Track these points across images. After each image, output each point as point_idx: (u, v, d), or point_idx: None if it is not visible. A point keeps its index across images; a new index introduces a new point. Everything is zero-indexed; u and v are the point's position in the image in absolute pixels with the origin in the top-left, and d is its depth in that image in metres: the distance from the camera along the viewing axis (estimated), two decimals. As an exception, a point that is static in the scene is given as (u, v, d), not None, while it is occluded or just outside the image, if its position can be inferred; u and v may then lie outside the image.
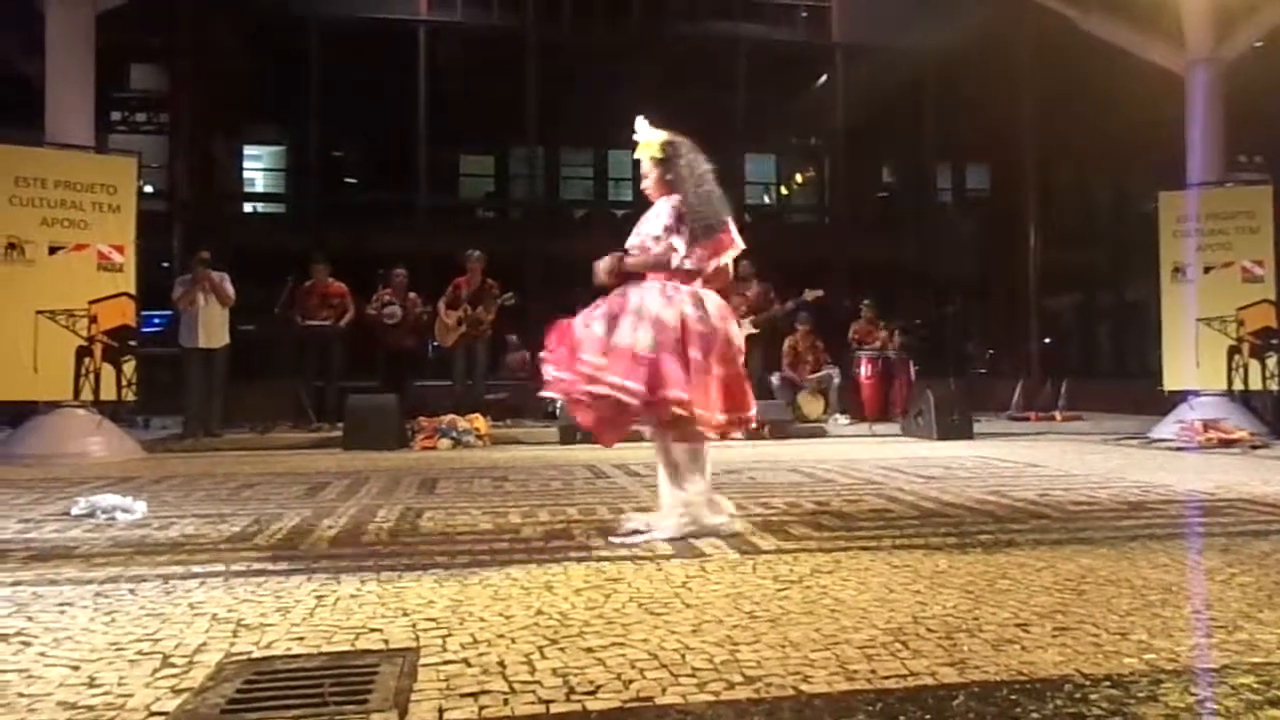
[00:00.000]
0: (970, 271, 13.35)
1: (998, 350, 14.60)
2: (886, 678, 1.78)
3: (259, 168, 16.59)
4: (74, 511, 3.92)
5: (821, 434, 9.00)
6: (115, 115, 13.89)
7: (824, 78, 15.23)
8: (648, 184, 3.62)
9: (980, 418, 9.25)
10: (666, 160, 3.53)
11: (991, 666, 1.84)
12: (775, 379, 9.88)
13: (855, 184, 15.83)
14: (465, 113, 14.51)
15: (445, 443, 7.79)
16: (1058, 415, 10.28)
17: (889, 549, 3.07)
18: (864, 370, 10.16)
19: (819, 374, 9.92)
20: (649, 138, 3.62)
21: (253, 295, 9.18)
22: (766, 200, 17.73)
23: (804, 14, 14.83)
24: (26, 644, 2.05)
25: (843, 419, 9.70)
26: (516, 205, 15.88)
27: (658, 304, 3.26)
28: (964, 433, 8.25)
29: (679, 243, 3.38)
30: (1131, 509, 3.93)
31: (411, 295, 9.55)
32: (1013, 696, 1.68)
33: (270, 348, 9.33)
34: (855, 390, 10.18)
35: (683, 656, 1.92)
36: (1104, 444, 7.70)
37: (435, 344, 9.71)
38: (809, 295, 10.06)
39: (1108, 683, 1.75)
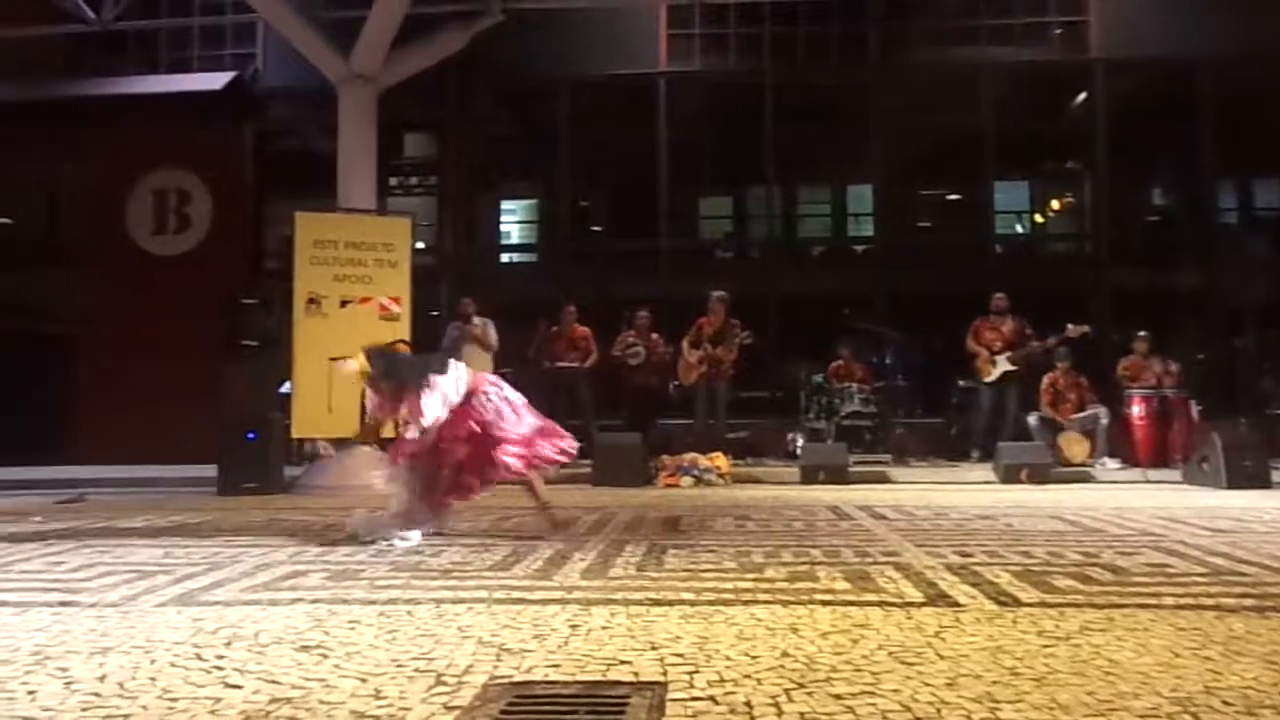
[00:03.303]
0: (1264, 298, 11.92)
1: (1300, 387, 12.89)
2: (1172, 749, 1.62)
3: (514, 220, 17.78)
4: (361, 535, 4.35)
5: (1086, 479, 8.32)
6: (393, 181, 15.39)
7: (1082, 96, 14.28)
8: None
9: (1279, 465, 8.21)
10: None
11: (1302, 746, 1.63)
12: (1033, 419, 9.27)
13: (1121, 208, 14.64)
14: (704, 157, 14.84)
15: (687, 480, 7.92)
16: (1378, 461, 8.92)
17: (1171, 609, 2.79)
18: (1137, 410, 9.29)
19: (1083, 414, 9.21)
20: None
21: (508, 341, 9.81)
22: (1019, 229, 16.77)
23: (1058, 30, 14.02)
24: (325, 656, 2.29)
25: (1112, 463, 8.92)
26: (755, 245, 16.00)
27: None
28: (1259, 481, 7.31)
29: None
30: None
31: (654, 336, 9.84)
32: (1330, 782, 1.48)
33: (525, 389, 9.90)
34: (1126, 432, 9.32)
35: (938, 710, 1.84)
36: None
37: (677, 383, 9.92)
38: (1073, 330, 9.38)
39: None
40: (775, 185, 14.89)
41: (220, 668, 2.19)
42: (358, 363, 4.53)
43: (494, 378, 4.98)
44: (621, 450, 8.14)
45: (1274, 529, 4.67)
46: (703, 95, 14.67)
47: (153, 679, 2.10)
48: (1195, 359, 10.71)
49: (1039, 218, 16.81)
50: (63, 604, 2.94)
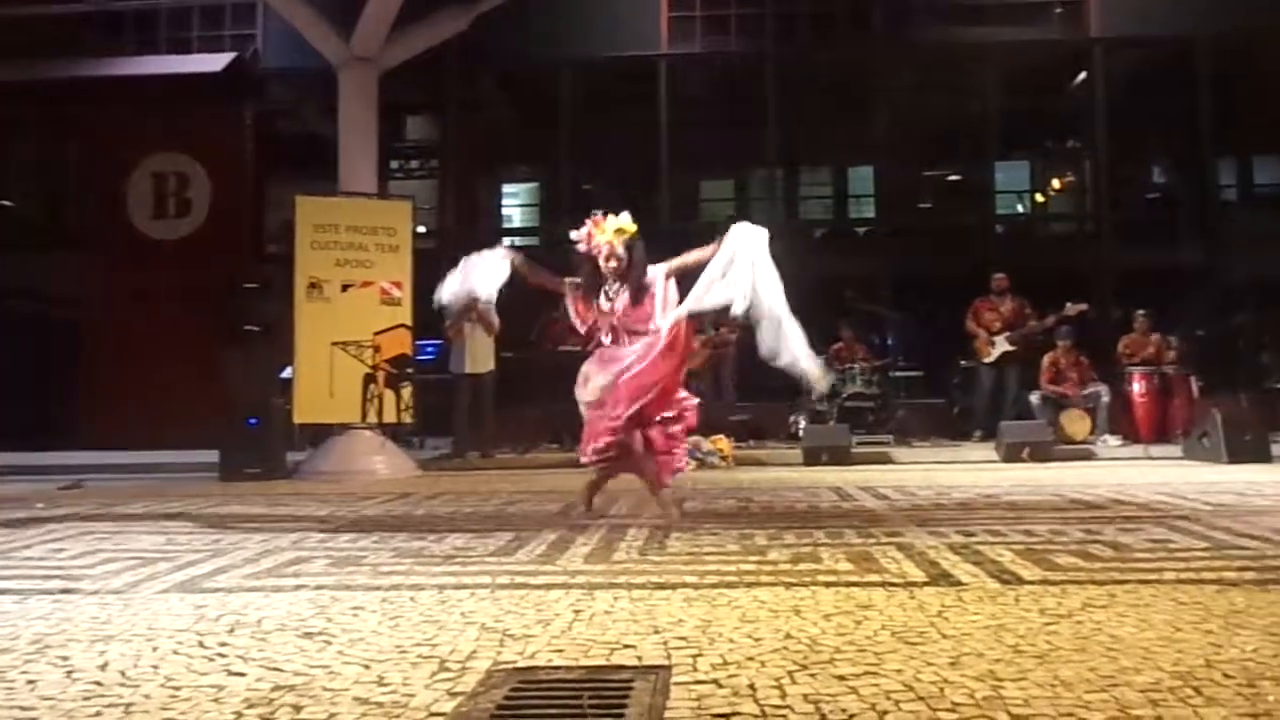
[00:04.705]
0: (1263, 275, 11.89)
1: (1301, 363, 12.88)
2: (1175, 727, 1.62)
3: (516, 204, 17.74)
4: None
5: (1088, 456, 8.33)
6: (394, 164, 15.34)
7: (1082, 75, 14.20)
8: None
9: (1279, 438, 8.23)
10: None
11: (1305, 723, 1.63)
12: (1035, 397, 9.28)
13: (1121, 187, 14.58)
14: (705, 138, 14.78)
15: (690, 463, 7.91)
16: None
17: (1173, 583, 2.79)
18: (1138, 387, 9.30)
19: (1084, 392, 9.21)
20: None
21: (511, 325, 9.80)
22: (1020, 209, 16.72)
23: (1058, 10, 13.93)
24: (328, 642, 2.29)
25: (1113, 440, 8.93)
26: (757, 226, 15.95)
27: None
28: (1260, 455, 7.32)
29: None
30: None
31: (657, 319, 9.82)
32: (1333, 759, 1.48)
33: (528, 373, 9.91)
34: (1127, 409, 9.33)
35: (941, 690, 1.84)
36: None
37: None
38: (1071, 309, 9.38)
39: None
40: (777, 167, 14.83)
41: (223, 655, 2.19)
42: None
43: None
44: (624, 433, 8.14)
45: (1275, 503, 4.67)
46: (704, 77, 14.59)
47: (155, 667, 2.10)
48: (1195, 335, 10.71)
49: (1040, 197, 16.75)
50: (64, 591, 2.94)
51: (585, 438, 4.39)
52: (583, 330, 4.47)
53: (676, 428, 4.41)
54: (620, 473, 4.55)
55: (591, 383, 4.32)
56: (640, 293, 4.29)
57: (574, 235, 4.39)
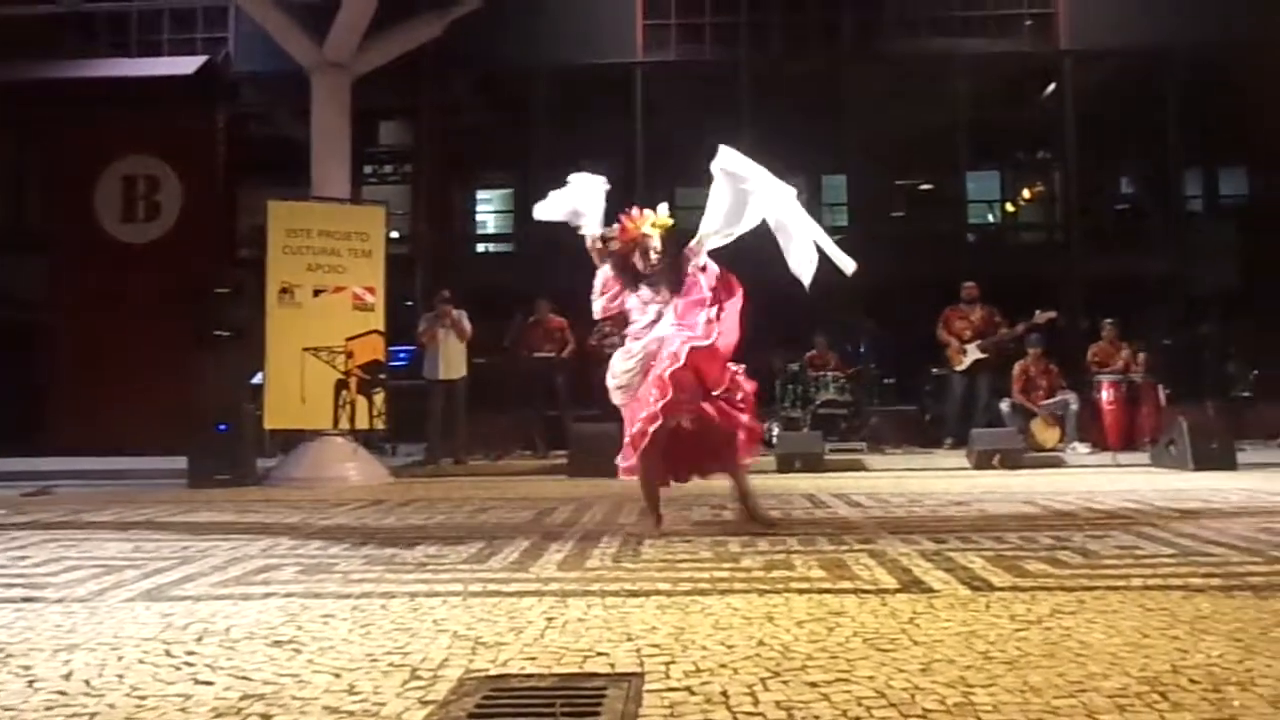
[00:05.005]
0: (1228, 285, 12.08)
1: (1263, 371, 13.08)
2: (1141, 732, 1.64)
3: (490, 210, 17.69)
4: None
5: (1058, 464, 8.41)
6: (367, 169, 15.25)
7: (1052, 87, 14.39)
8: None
9: (1244, 446, 8.35)
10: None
11: (1268, 726, 1.66)
12: (1005, 405, 9.36)
13: (1090, 197, 14.79)
14: (680, 146, 14.82)
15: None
16: (1341, 443, 9.10)
17: (1140, 589, 2.83)
18: (1106, 395, 9.42)
19: (1054, 400, 9.31)
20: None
21: (484, 331, 9.77)
22: (991, 219, 16.91)
23: (1028, 22, 14.11)
24: (298, 651, 2.27)
25: (1082, 448, 9.03)
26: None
27: None
28: (1225, 463, 7.44)
29: None
30: None
31: (631, 326, 9.82)
32: (1296, 762, 1.50)
33: (501, 380, 9.87)
34: (1096, 416, 9.45)
35: (912, 696, 1.85)
36: (1404, 478, 6.72)
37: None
38: (1040, 317, 9.50)
39: None
40: (751, 174, 14.88)
41: (190, 664, 2.16)
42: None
43: None
44: (598, 439, 8.10)
45: (1241, 509, 4.74)
46: (679, 85, 14.63)
47: (120, 676, 2.07)
48: (1162, 344, 10.86)
49: (1010, 206, 16.94)
50: (26, 600, 2.90)
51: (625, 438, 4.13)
52: (598, 313, 4.34)
53: (737, 398, 4.17)
54: (676, 476, 4.35)
55: (618, 368, 4.14)
56: (680, 283, 4.15)
57: (606, 231, 4.24)
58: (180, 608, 2.76)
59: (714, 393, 4.09)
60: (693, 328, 3.99)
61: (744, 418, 4.20)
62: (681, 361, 3.90)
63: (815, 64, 14.25)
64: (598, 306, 4.30)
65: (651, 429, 3.92)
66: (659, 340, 4.06)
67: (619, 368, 4.14)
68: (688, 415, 4.02)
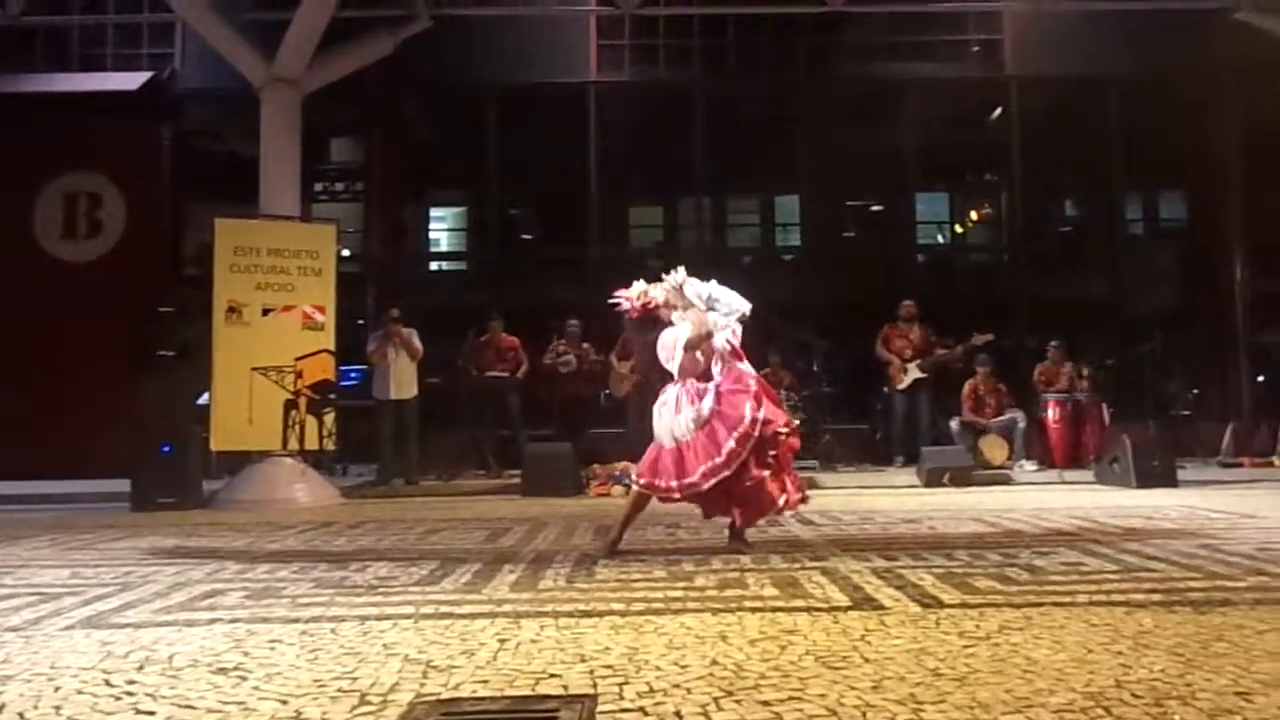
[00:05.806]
0: (1168, 306, 12.43)
1: (1203, 390, 13.46)
2: (1086, 746, 1.67)
3: (443, 228, 17.58)
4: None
5: (1006, 481, 8.56)
6: (318, 187, 15.08)
7: (998, 111, 14.73)
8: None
9: (1185, 464, 8.58)
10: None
11: (1208, 739, 1.69)
12: (955, 424, 9.51)
13: (1036, 219, 15.13)
14: (634, 166, 14.89)
15: (618, 489, 7.91)
16: (1276, 461, 9.36)
17: (1085, 605, 2.88)
18: (1052, 414, 9.62)
19: (1002, 418, 9.48)
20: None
21: (438, 349, 9.69)
22: (940, 240, 17.22)
23: (975, 48, 14.45)
24: (243, 678, 2.22)
25: (1029, 465, 9.20)
26: (685, 254, 16.09)
27: None
28: (1166, 480, 7.64)
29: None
30: (1371, 566, 3.52)
31: (584, 345, 9.82)
32: (1234, 773, 1.54)
33: (454, 399, 9.79)
34: (1042, 435, 9.64)
35: (863, 714, 1.86)
36: (1335, 493, 6.94)
37: (608, 393, 9.92)
38: (977, 339, 9.69)
39: (1348, 763, 1.57)
40: (705, 195, 15.02)
41: (131, 693, 2.10)
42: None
43: None
44: (552, 460, 8.10)
45: (1181, 526, 4.86)
46: (633, 105, 14.72)
47: (57, 708, 2.01)
48: (1106, 364, 11.13)
49: (959, 228, 17.27)
50: (-39, 629, 2.80)
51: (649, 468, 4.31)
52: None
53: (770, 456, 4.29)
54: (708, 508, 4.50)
55: (663, 422, 4.33)
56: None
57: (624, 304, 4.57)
58: (121, 635, 2.68)
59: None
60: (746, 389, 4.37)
61: (773, 487, 4.27)
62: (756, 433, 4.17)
63: (768, 86, 14.43)
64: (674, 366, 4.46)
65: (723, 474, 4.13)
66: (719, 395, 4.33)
67: (687, 416, 4.26)
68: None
